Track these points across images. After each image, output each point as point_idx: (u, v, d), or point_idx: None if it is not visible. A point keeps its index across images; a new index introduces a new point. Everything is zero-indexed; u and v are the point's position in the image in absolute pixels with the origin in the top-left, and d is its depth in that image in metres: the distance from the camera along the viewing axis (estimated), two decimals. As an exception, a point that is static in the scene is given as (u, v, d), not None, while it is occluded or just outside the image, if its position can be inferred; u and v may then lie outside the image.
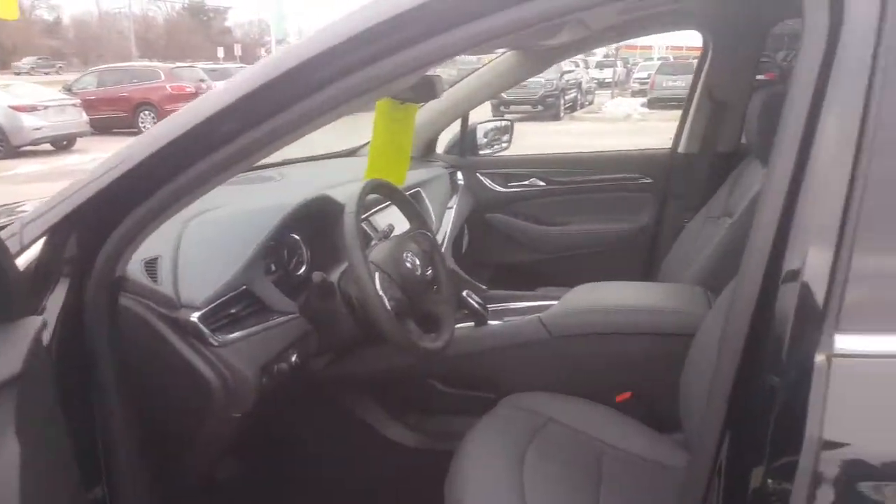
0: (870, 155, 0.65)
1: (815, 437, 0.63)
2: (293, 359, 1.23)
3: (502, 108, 14.51)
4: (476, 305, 1.56)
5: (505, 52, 2.23)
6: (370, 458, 1.62)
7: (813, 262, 0.66)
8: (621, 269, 2.20)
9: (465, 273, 1.97)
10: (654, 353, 1.44)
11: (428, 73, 1.78)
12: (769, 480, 0.68)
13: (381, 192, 1.42)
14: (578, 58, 20.22)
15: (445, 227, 2.03)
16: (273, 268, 1.34)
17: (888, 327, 0.66)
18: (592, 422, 1.31)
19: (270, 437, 1.54)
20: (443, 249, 1.94)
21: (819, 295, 0.66)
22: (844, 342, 0.65)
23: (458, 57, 0.86)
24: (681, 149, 2.28)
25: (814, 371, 0.64)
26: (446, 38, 0.76)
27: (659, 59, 21.92)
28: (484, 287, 2.02)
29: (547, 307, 1.59)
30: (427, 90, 1.70)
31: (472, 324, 1.58)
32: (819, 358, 0.64)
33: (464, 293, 1.56)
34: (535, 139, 9.82)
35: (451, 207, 2.13)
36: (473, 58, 2.49)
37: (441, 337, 1.32)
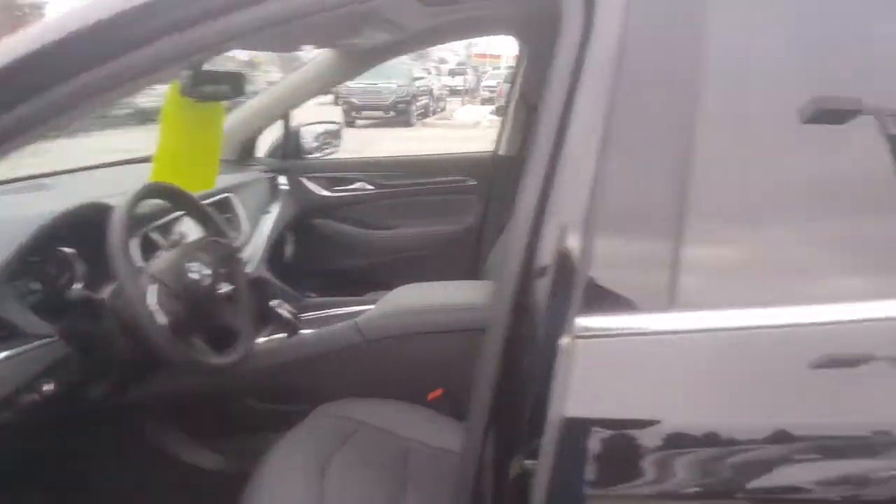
0: (612, 152, 0.70)
1: (559, 415, 0.66)
2: (47, 388, 1.08)
3: (353, 114, 14.40)
4: (287, 315, 1.48)
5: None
6: (174, 489, 1.48)
7: (561, 250, 0.70)
8: (450, 269, 2.22)
9: (291, 281, 1.87)
10: (467, 349, 1.45)
11: (233, 70, 1.67)
12: (525, 462, 0.69)
13: (163, 196, 1.30)
14: (431, 65, 20.60)
15: (263, 233, 1.92)
16: (34, 287, 1.17)
17: (623, 307, 0.70)
18: (404, 422, 1.30)
19: (52, 475, 1.35)
20: (259, 257, 1.83)
21: (565, 281, 0.69)
22: (586, 323, 0.68)
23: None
24: (501, 151, 2.36)
25: (559, 353, 0.66)
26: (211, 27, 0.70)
27: (507, 67, 22.97)
28: (312, 294, 1.93)
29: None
30: (231, 87, 1.59)
31: (284, 335, 1.50)
32: (564, 340, 0.67)
33: (272, 303, 1.47)
34: (385, 145, 9.86)
35: (269, 213, 2.02)
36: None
37: (235, 351, 1.22)
